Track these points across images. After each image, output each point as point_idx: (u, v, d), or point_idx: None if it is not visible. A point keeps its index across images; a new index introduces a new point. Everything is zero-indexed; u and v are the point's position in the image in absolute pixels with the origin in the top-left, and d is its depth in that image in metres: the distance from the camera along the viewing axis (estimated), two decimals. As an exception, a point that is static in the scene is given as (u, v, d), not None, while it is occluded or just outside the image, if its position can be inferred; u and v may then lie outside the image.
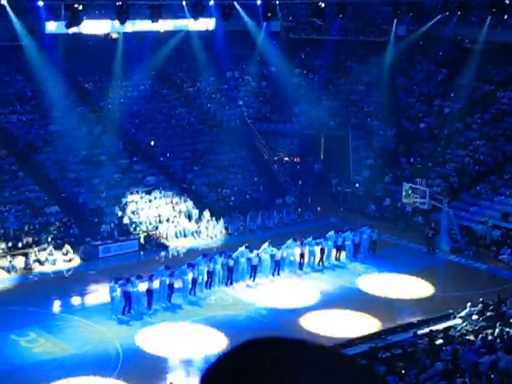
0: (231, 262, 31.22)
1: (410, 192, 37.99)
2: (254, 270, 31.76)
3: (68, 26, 38.97)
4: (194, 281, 30.01)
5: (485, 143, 43.54)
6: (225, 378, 1.43)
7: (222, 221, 38.94)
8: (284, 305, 29.63)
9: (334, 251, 34.31)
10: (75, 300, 29.98)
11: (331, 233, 34.40)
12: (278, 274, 32.49)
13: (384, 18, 49.64)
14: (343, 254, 34.64)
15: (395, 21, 47.56)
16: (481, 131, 44.65)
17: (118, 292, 27.90)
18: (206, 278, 30.60)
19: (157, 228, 37.67)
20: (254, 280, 31.79)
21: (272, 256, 32.30)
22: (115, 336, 26.24)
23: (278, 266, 32.45)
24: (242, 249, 32.02)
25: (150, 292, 28.49)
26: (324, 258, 33.90)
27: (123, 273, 29.75)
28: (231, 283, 31.25)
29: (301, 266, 33.23)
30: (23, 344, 25.63)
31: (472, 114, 46.09)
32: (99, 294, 30.31)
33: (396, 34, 48.50)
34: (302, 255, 33.20)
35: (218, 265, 30.93)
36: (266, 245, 32.45)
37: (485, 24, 44.70)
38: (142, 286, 28.36)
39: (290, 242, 33.06)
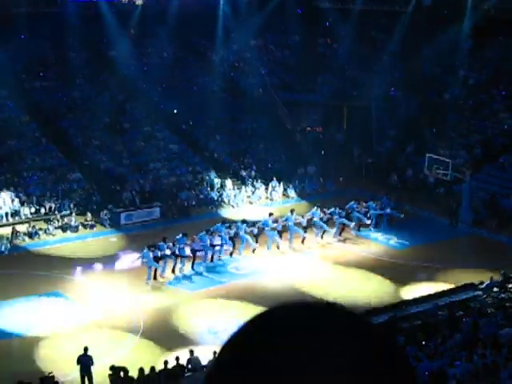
0: (255, 230, 31.32)
1: (432, 163, 37.76)
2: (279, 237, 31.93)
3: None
4: (213, 247, 30.18)
5: (509, 115, 43.15)
6: (249, 348, 1.44)
7: (243, 190, 38.99)
8: (307, 273, 29.70)
9: (354, 222, 34.29)
10: (97, 266, 30.18)
11: (352, 203, 34.34)
12: (303, 241, 32.55)
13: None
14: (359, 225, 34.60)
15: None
16: (505, 103, 44.23)
17: (150, 257, 28.13)
18: (228, 246, 30.77)
19: (178, 196, 37.76)
20: (278, 248, 31.91)
21: (297, 224, 32.35)
22: (138, 302, 26.43)
23: (304, 233, 32.52)
24: (267, 217, 32.10)
25: (175, 256, 28.82)
26: (346, 228, 33.89)
27: (144, 240, 29.90)
28: (253, 251, 31.35)
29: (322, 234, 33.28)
30: (46, 309, 25.90)
31: (497, 85, 45.64)
32: (121, 260, 30.60)
33: (421, 4, 48.06)
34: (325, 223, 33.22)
35: (242, 231, 31.02)
36: (289, 213, 32.50)
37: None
38: (168, 252, 28.64)
39: (314, 209, 33.10)
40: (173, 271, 28.90)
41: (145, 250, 28.22)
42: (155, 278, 28.30)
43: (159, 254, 28.28)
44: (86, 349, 20.95)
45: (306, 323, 1.43)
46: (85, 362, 20.78)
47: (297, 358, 1.38)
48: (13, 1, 41.55)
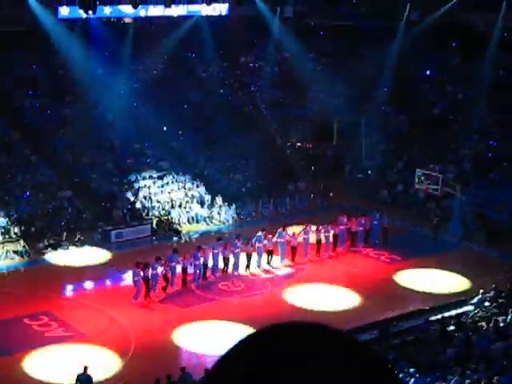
0: (249, 247, 31.25)
1: (422, 178, 37.88)
2: (270, 255, 31.90)
3: (82, 11, 39.09)
4: (205, 265, 30.07)
5: (499, 130, 43.32)
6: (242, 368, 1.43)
7: (234, 206, 38.98)
8: (298, 291, 29.68)
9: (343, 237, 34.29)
10: (87, 284, 30.09)
11: (343, 218, 34.35)
12: (293, 258, 32.50)
13: (397, 2, 49.35)
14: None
15: (408, 5, 47.56)
16: (495, 117, 44.40)
17: (141, 276, 27.92)
18: (221, 263, 30.68)
19: (169, 213, 37.72)
20: (270, 264, 31.89)
21: (288, 241, 32.31)
22: (129, 320, 26.33)
23: (293, 250, 32.46)
24: (259, 234, 32.03)
25: (165, 276, 28.67)
26: (338, 244, 33.86)
27: (135, 258, 29.82)
28: (248, 267, 31.28)
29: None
30: (36, 328, 25.76)
31: (486, 100, 45.78)
32: (111, 278, 30.52)
33: (409, 19, 48.37)
34: (317, 241, 33.15)
35: (235, 249, 30.92)
36: (280, 230, 32.48)
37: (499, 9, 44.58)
38: (160, 270, 28.47)
39: (305, 227, 33.09)
40: (164, 289, 28.75)
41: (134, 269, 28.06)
42: (146, 296, 28.15)
43: (150, 272, 28.13)
44: (85, 368, 20.82)
45: (295, 346, 1.42)
46: (84, 381, 20.64)
47: (285, 380, 1.37)
48: (2, 19, 41.49)
